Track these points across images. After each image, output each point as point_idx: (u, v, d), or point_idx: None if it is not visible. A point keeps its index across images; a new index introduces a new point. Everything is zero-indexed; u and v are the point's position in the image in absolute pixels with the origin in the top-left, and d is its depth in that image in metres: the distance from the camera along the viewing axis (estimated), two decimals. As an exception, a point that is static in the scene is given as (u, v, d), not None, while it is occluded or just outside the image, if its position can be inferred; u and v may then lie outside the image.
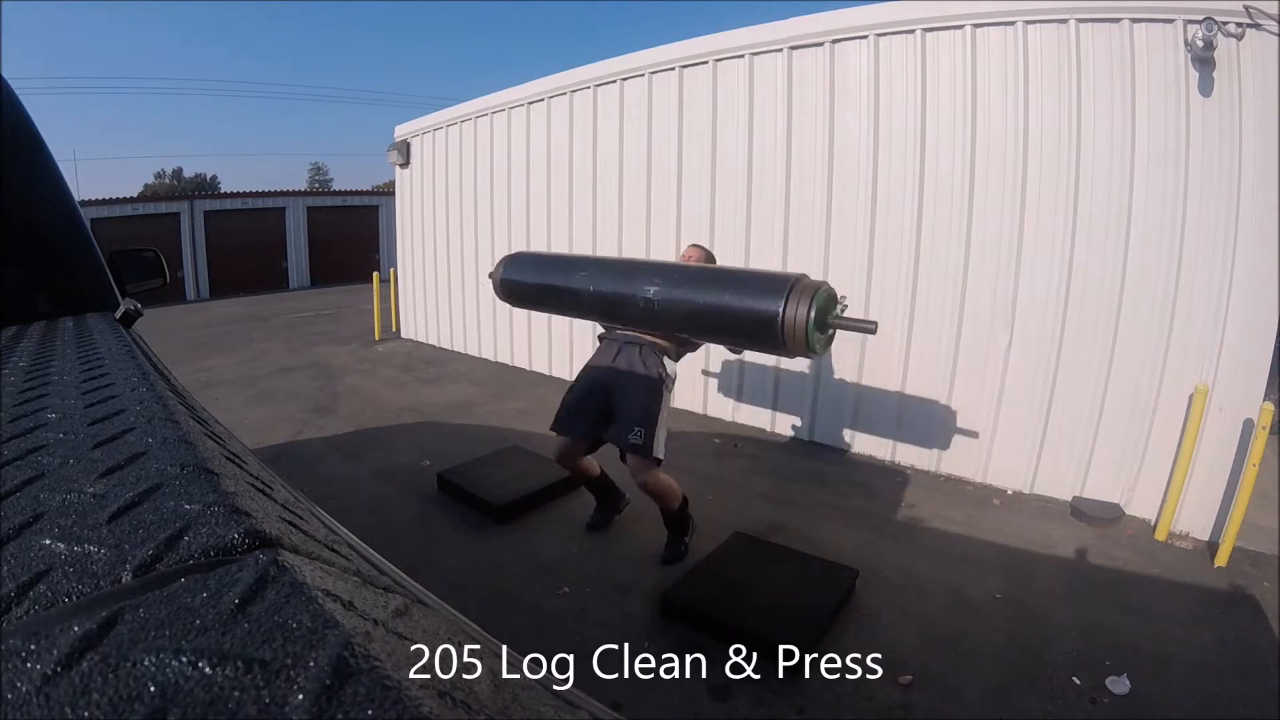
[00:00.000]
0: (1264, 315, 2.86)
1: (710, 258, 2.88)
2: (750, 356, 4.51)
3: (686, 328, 2.40)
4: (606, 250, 5.22)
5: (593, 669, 2.12)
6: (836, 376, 4.12)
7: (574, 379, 2.84)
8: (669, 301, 2.36)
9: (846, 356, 4.05)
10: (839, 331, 2.26)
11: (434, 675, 0.24)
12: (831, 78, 3.90)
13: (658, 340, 2.67)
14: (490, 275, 3.03)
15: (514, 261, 2.93)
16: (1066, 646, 2.24)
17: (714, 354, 4.68)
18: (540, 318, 5.97)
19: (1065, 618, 2.41)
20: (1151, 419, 3.15)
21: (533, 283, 2.83)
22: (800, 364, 4.26)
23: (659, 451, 2.59)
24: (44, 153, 1.64)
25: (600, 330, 2.85)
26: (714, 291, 2.32)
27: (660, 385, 2.62)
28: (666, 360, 2.67)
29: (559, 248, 5.68)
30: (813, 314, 2.13)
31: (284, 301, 11.62)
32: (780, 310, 2.14)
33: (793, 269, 4.20)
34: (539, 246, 5.87)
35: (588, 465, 2.89)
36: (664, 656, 2.19)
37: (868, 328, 2.25)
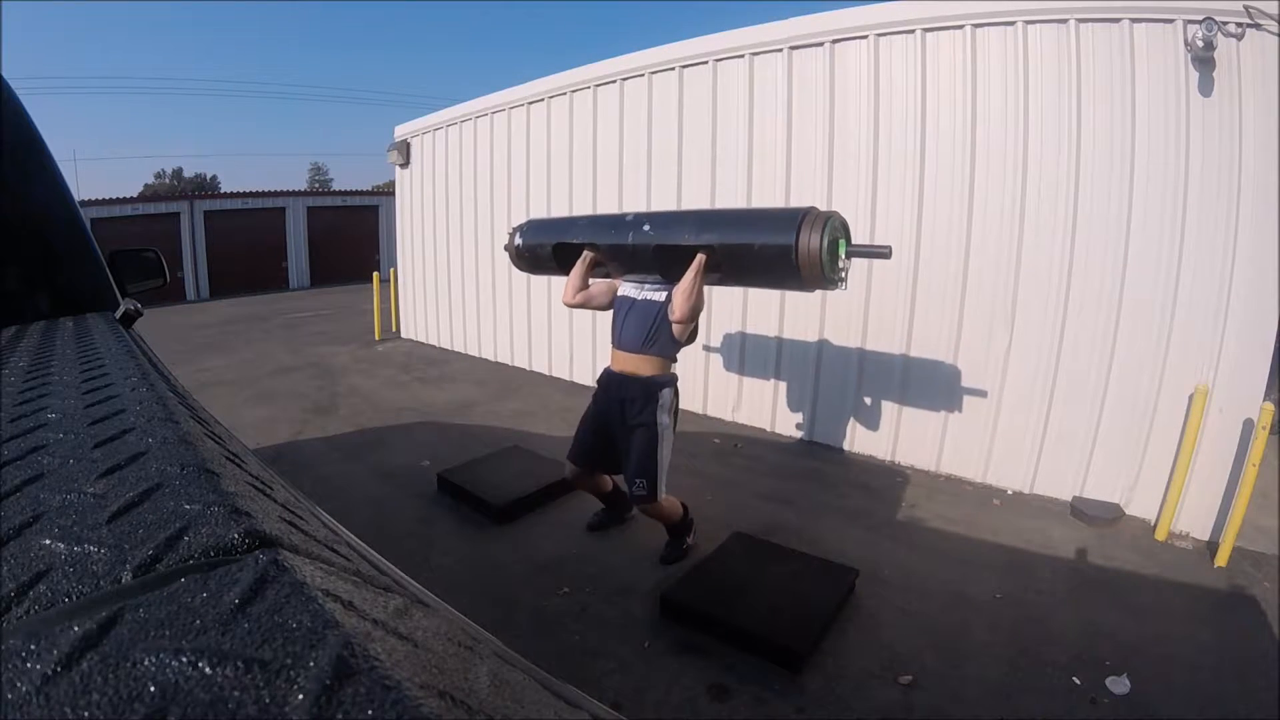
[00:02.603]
0: (1264, 315, 2.85)
1: None
2: (750, 356, 4.52)
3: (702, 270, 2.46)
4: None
5: (593, 669, 2.13)
6: (836, 377, 4.12)
7: (586, 409, 2.84)
8: (686, 248, 2.44)
9: (846, 356, 4.05)
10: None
11: (434, 675, 0.24)
12: (831, 78, 3.90)
13: (650, 360, 2.62)
14: (506, 247, 3.23)
15: (530, 228, 3.11)
16: (1066, 646, 2.24)
17: (714, 354, 4.69)
18: (540, 317, 5.98)
19: (1065, 618, 2.41)
20: (1151, 419, 3.15)
21: (551, 243, 2.95)
22: (799, 362, 4.26)
23: (661, 495, 2.66)
24: (44, 153, 1.64)
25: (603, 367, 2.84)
26: (728, 231, 2.40)
27: (657, 433, 2.60)
28: (663, 399, 2.60)
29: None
30: (825, 242, 2.19)
31: (284, 301, 11.63)
32: (794, 242, 2.20)
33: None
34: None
35: (600, 483, 2.97)
36: (663, 656, 2.19)
37: (882, 252, 2.35)
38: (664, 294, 2.60)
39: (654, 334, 2.60)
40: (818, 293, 4.11)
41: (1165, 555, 2.92)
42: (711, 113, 4.46)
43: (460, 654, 0.28)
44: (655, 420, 2.59)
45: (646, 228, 2.59)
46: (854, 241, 2.35)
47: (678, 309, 2.49)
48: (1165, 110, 3.01)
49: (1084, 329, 3.29)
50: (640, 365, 2.63)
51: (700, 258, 2.44)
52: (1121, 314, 3.19)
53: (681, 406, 2.78)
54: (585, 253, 2.79)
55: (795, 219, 2.24)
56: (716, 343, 4.67)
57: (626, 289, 2.74)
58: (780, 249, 2.24)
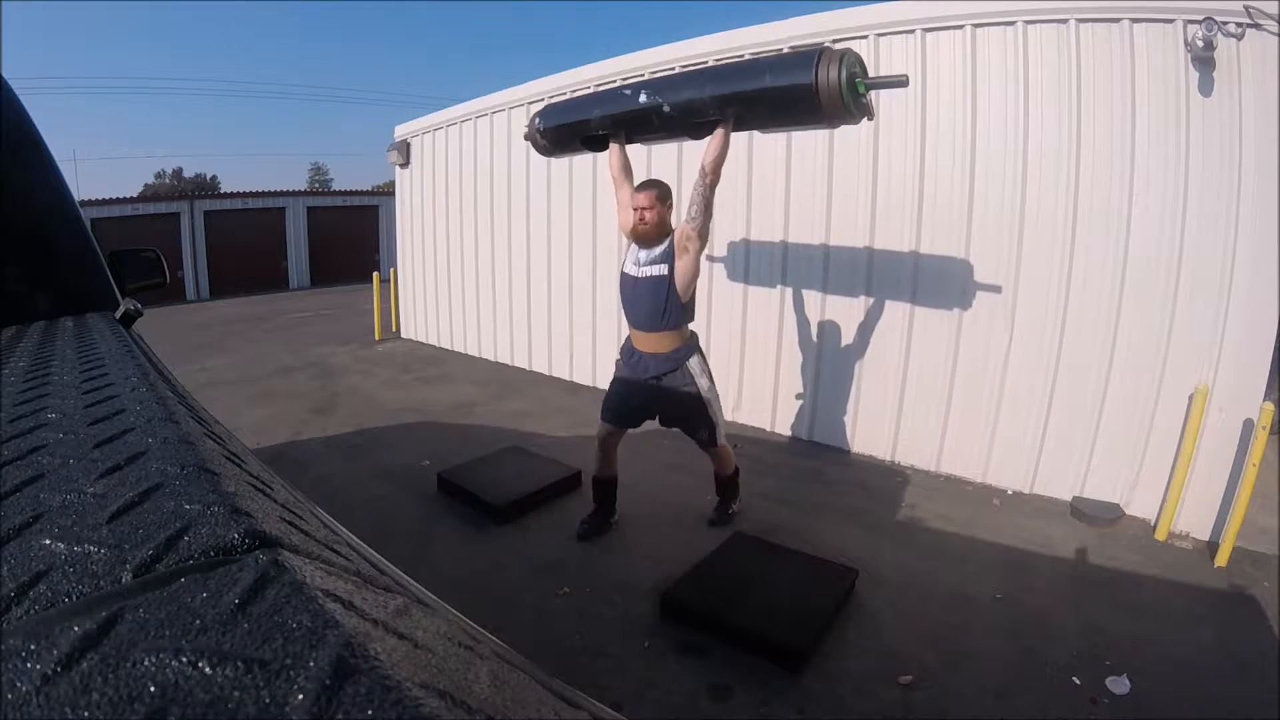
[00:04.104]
0: (1264, 315, 2.85)
1: (666, 194, 2.73)
2: (750, 357, 4.52)
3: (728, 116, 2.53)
4: (608, 247, 5.23)
5: (593, 669, 2.13)
6: (837, 377, 4.12)
7: (611, 385, 2.92)
8: (708, 100, 2.49)
9: (846, 356, 4.05)
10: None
11: (434, 675, 0.24)
12: (831, 78, 3.89)
13: (669, 335, 2.72)
14: (526, 136, 3.31)
15: (547, 113, 3.14)
16: (1066, 646, 2.24)
17: (714, 356, 4.68)
18: (540, 317, 5.98)
19: (1065, 618, 2.41)
20: (1151, 419, 3.15)
21: (573, 132, 2.99)
22: (799, 362, 4.26)
23: (722, 440, 2.89)
24: (44, 153, 1.64)
25: (620, 347, 2.92)
26: (747, 83, 2.44)
27: (702, 399, 2.76)
28: (693, 367, 2.75)
29: (560, 247, 5.68)
30: (844, 75, 2.24)
31: (284, 301, 11.62)
32: (813, 79, 2.25)
33: (791, 271, 4.23)
34: (540, 246, 5.88)
35: (615, 458, 3.00)
36: (664, 656, 2.19)
37: (899, 81, 2.40)
38: (664, 267, 2.66)
39: (667, 310, 2.68)
40: (816, 291, 4.13)
41: (1165, 555, 2.92)
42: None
43: (460, 654, 0.28)
44: (696, 388, 2.75)
45: (667, 110, 2.62)
46: (870, 86, 2.37)
47: (710, 171, 2.54)
48: (1165, 110, 3.01)
49: (1084, 328, 3.29)
50: (661, 342, 2.74)
51: (721, 131, 2.51)
52: (1121, 313, 3.19)
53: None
54: (613, 145, 2.85)
55: (812, 58, 2.28)
56: (717, 342, 4.67)
57: (627, 265, 2.79)
58: (801, 88, 2.28)
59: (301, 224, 13.90)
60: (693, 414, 2.78)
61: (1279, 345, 2.93)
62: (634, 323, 2.79)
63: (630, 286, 2.76)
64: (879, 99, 3.71)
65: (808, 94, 2.28)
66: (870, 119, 2.49)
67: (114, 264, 1.88)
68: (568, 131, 3.04)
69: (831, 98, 2.25)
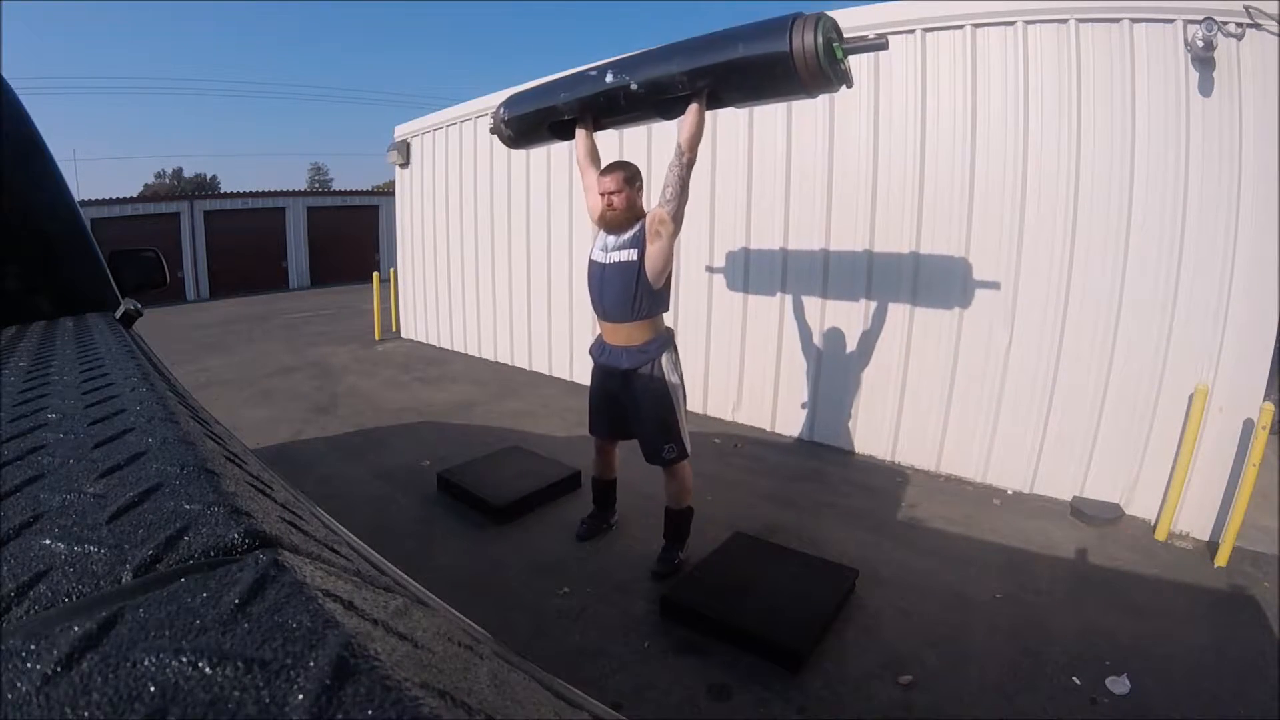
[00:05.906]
0: (1264, 315, 2.85)
1: (635, 176, 2.58)
2: (750, 358, 4.51)
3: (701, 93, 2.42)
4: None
5: (593, 669, 2.13)
6: (837, 377, 4.12)
7: (590, 388, 2.79)
8: (678, 75, 2.39)
9: (846, 356, 4.05)
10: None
11: (434, 675, 0.24)
12: (831, 78, 3.89)
13: (641, 326, 2.53)
14: (491, 130, 3.16)
15: (512, 102, 2.99)
16: (1066, 646, 2.24)
17: (715, 355, 4.69)
18: (540, 317, 5.98)
19: (1065, 618, 2.41)
20: (1151, 419, 3.15)
21: (539, 119, 2.85)
22: (799, 362, 4.26)
23: (688, 450, 2.64)
24: (44, 154, 1.64)
25: (592, 341, 2.78)
26: (720, 51, 2.34)
27: (669, 393, 2.55)
28: (666, 361, 2.57)
29: (560, 247, 5.68)
30: (821, 40, 2.14)
31: (284, 301, 11.62)
32: (789, 46, 2.16)
33: (792, 269, 4.23)
34: (540, 246, 5.87)
35: (614, 463, 2.96)
36: (664, 656, 2.19)
37: (879, 44, 2.30)
38: (634, 252, 2.46)
39: (638, 299, 2.48)
40: (816, 290, 4.13)
41: (1165, 555, 2.91)
42: (711, 112, 4.44)
43: (460, 654, 0.28)
44: (665, 385, 2.54)
45: (635, 88, 2.50)
46: (848, 51, 2.29)
47: (687, 150, 2.40)
48: (1165, 110, 3.01)
49: (1084, 328, 3.28)
50: (632, 334, 2.54)
51: (696, 107, 2.40)
52: (1121, 314, 3.18)
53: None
54: (580, 130, 2.72)
55: (786, 24, 2.19)
56: (717, 342, 4.67)
57: (594, 252, 2.62)
58: (777, 56, 2.19)
59: (301, 224, 13.91)
60: (661, 418, 2.56)
61: (1279, 345, 2.93)
62: (603, 314, 2.57)
63: (598, 274, 2.55)
64: (875, 96, 3.76)
65: (784, 61, 2.17)
66: (849, 86, 2.38)
67: (114, 264, 1.88)
68: (534, 119, 2.88)
69: (809, 65, 2.15)
